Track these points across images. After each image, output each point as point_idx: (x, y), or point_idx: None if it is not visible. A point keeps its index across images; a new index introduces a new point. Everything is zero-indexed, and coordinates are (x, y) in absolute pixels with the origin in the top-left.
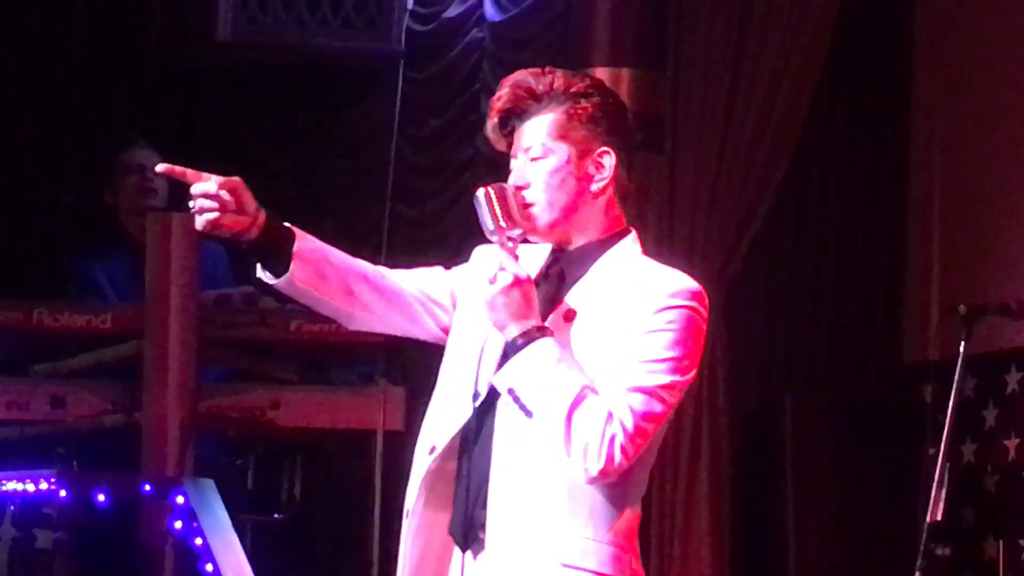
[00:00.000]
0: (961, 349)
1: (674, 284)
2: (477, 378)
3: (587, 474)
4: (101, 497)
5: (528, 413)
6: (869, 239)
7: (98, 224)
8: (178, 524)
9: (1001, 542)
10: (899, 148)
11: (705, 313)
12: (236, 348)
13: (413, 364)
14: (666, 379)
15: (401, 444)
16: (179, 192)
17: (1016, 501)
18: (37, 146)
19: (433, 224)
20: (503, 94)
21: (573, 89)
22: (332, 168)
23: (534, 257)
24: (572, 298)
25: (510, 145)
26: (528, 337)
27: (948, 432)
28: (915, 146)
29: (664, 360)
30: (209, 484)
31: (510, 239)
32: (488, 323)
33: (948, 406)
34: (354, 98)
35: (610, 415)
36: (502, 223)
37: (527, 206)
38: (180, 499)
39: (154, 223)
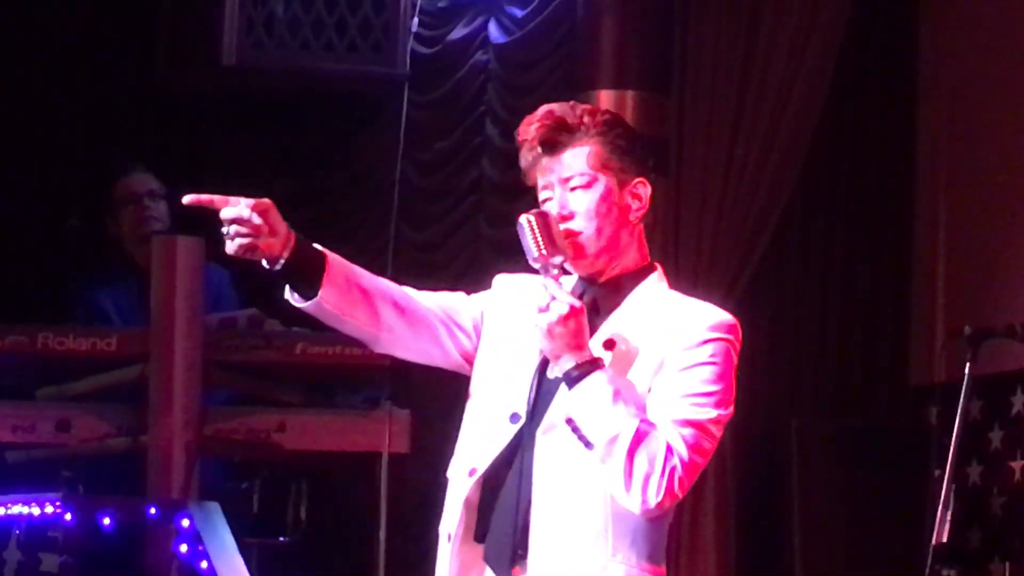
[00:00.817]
0: (967, 371)
1: (712, 318)
2: (518, 401)
3: (644, 506)
4: (107, 520)
5: (588, 445)
6: (874, 262)
7: (103, 251)
8: (184, 547)
9: (1008, 564)
10: (904, 171)
11: (739, 346)
12: (241, 371)
13: (419, 387)
14: (713, 413)
15: (407, 467)
16: (182, 216)
17: (1022, 523)
18: (43, 171)
19: (438, 247)
20: (535, 127)
21: (602, 121)
22: (337, 192)
23: (533, 284)
24: (609, 327)
25: (533, 177)
26: (584, 369)
27: (954, 454)
28: (920, 169)
29: (710, 394)
30: (215, 507)
31: (555, 266)
32: (526, 348)
33: (954, 428)
34: (359, 122)
35: (670, 449)
36: (544, 250)
37: (571, 235)
38: (186, 522)
39: (159, 246)
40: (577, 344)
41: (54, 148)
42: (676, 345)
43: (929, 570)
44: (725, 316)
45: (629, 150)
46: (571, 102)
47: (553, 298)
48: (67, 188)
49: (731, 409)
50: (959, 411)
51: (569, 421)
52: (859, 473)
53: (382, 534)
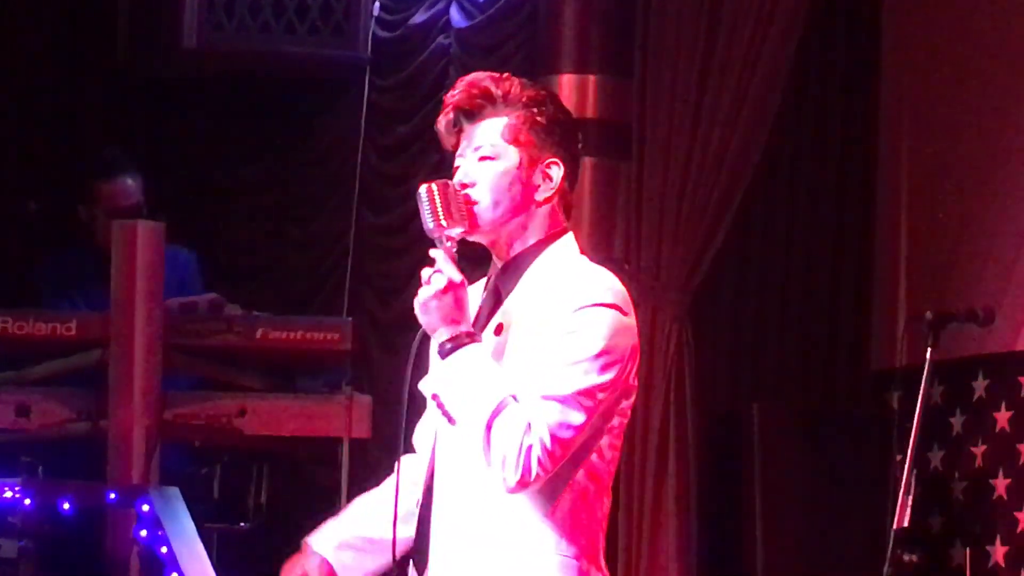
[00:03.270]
0: (928, 356)
1: (590, 286)
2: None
3: (505, 484)
4: (66, 506)
5: (451, 420)
6: (836, 246)
7: (64, 234)
8: (143, 532)
9: (968, 549)
10: (866, 155)
11: (625, 308)
12: (202, 356)
13: (380, 372)
14: (583, 383)
15: (368, 452)
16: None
17: (983, 508)
18: (2, 155)
19: (400, 231)
20: (458, 92)
21: (529, 97)
22: (299, 175)
23: (476, 288)
24: (504, 311)
25: (458, 144)
26: (456, 342)
27: (915, 439)
28: (882, 153)
29: (578, 362)
30: (175, 492)
31: (449, 238)
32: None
33: (915, 413)
34: (320, 105)
35: (528, 426)
36: (443, 221)
37: (471, 204)
38: (146, 507)
39: (119, 231)
40: (452, 319)
41: (15, 133)
42: (553, 317)
43: (890, 554)
44: (605, 283)
45: (548, 129)
46: (506, 74)
47: (438, 271)
48: (29, 173)
49: (610, 375)
50: (920, 396)
51: (434, 396)
52: (820, 457)
53: None
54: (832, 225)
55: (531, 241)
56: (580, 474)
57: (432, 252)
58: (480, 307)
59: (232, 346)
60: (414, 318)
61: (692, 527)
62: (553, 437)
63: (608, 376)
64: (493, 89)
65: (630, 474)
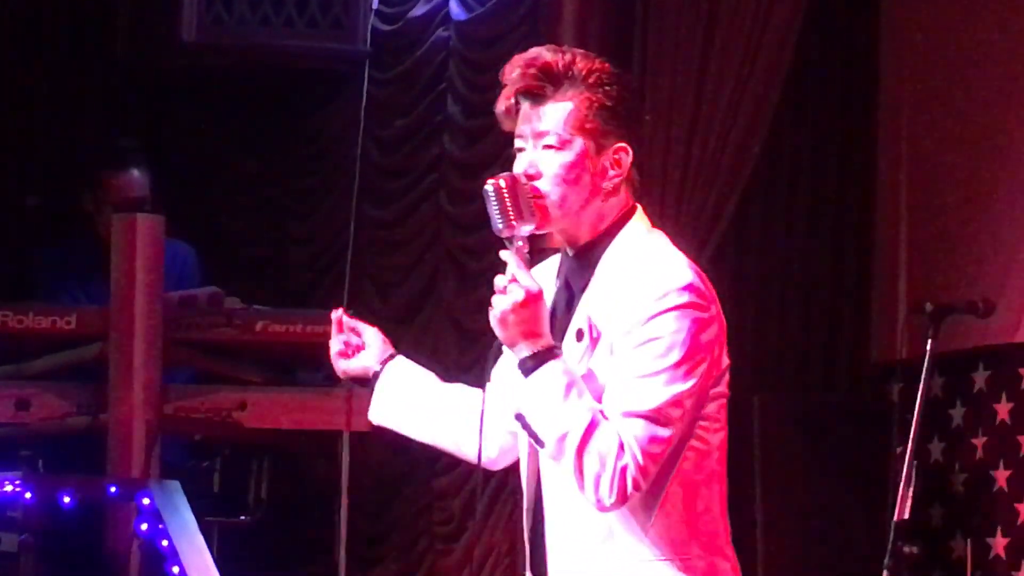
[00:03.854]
0: (928, 348)
1: (660, 285)
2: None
3: (600, 505)
4: (67, 499)
5: (539, 442)
6: (836, 238)
7: (65, 227)
8: (144, 526)
9: (969, 541)
10: (866, 147)
11: (703, 302)
12: (202, 349)
13: None
14: (668, 394)
15: (368, 446)
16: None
17: (984, 500)
18: (2, 147)
19: (400, 224)
20: (517, 73)
21: (593, 75)
22: (299, 169)
23: (545, 272)
24: (581, 313)
25: (514, 126)
26: (538, 359)
27: (915, 431)
28: (882, 145)
29: (661, 373)
30: (175, 486)
31: (521, 238)
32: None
33: (915, 405)
34: (320, 99)
35: (621, 446)
36: (513, 220)
37: (539, 197)
38: (146, 501)
39: (119, 224)
40: (532, 332)
41: (14, 127)
42: (624, 325)
43: (891, 546)
44: (675, 279)
45: (613, 111)
46: (563, 47)
47: (513, 279)
48: (28, 166)
49: (694, 379)
50: (920, 388)
51: (519, 417)
52: (821, 449)
53: (343, 512)
54: (833, 217)
55: (601, 227)
56: (683, 468)
57: (503, 255)
58: (554, 303)
59: (232, 340)
60: (414, 311)
61: None
62: (645, 453)
63: (693, 380)
64: (554, 67)
65: None
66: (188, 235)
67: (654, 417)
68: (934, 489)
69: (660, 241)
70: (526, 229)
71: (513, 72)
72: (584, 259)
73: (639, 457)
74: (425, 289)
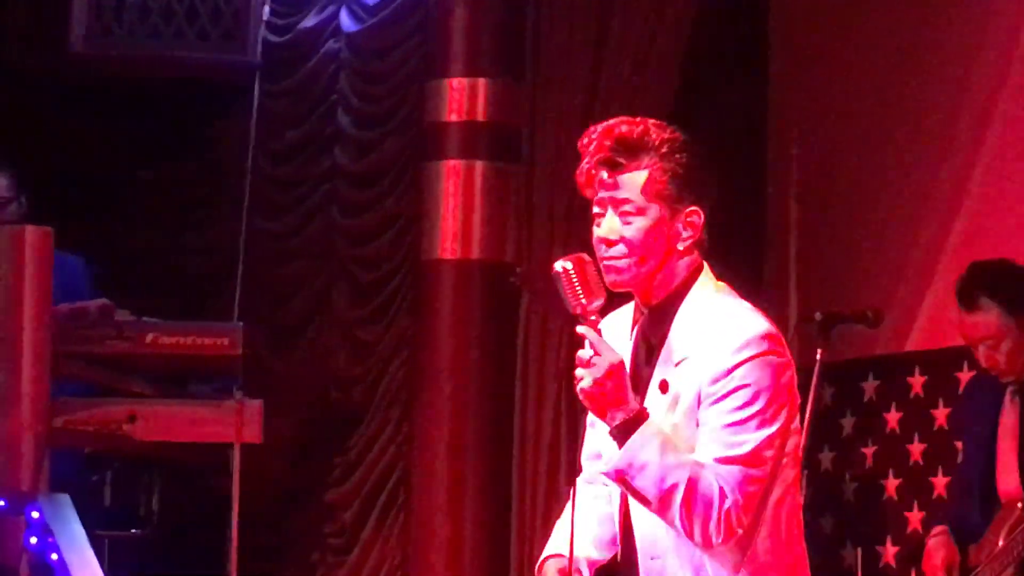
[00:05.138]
0: (818, 357)
1: (739, 336)
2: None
3: (707, 546)
4: None
5: (643, 501)
6: (726, 246)
7: None
8: (33, 540)
9: (859, 549)
10: (757, 157)
11: (778, 348)
12: (92, 362)
13: (272, 377)
14: (758, 438)
15: (261, 458)
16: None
17: (874, 508)
18: None
19: (291, 236)
20: (595, 144)
21: (665, 144)
22: (191, 180)
23: (619, 323)
24: (663, 365)
25: (595, 191)
26: (629, 426)
27: (805, 440)
28: (772, 155)
29: (749, 420)
30: (65, 499)
31: (593, 312)
32: None
33: (805, 414)
34: (212, 110)
35: (723, 492)
36: (583, 300)
37: (613, 259)
38: (35, 514)
39: (5, 236)
40: (620, 399)
41: None
42: (707, 377)
43: None
44: (750, 329)
45: (687, 179)
46: (638, 119)
47: (596, 354)
48: None
49: (779, 423)
50: (810, 397)
51: (621, 477)
52: None
53: (234, 525)
54: (723, 226)
55: (673, 285)
56: (776, 492)
57: (581, 330)
58: (633, 358)
59: (122, 352)
60: (305, 321)
61: None
62: (745, 495)
63: (779, 423)
64: (629, 137)
65: (523, 471)
66: (79, 246)
67: (749, 460)
68: (825, 498)
69: (729, 295)
70: (597, 304)
71: (591, 143)
72: (659, 315)
73: (740, 499)
74: (318, 300)
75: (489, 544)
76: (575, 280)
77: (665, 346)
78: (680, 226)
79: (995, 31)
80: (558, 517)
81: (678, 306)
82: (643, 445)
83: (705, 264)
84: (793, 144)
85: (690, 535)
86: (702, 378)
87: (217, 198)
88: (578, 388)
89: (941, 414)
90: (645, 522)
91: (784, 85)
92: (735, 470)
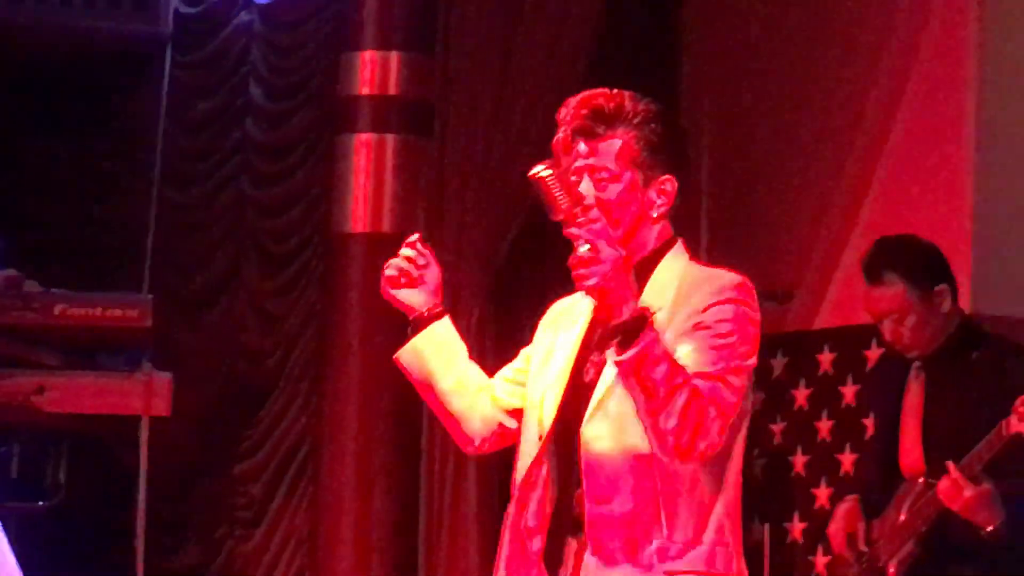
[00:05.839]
0: None
1: (716, 282)
2: (541, 422)
3: (687, 456)
4: None
5: (650, 395)
6: None
7: None
8: None
9: (767, 526)
10: None
11: (751, 301)
12: None
13: (182, 350)
14: (730, 360)
15: (170, 430)
16: None
17: (781, 485)
18: None
19: (202, 208)
20: (571, 114)
21: (640, 114)
22: (101, 151)
23: (573, 305)
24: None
25: (573, 159)
26: (639, 321)
27: None
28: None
29: (722, 347)
30: None
31: (584, 217)
32: (547, 371)
33: None
34: (123, 80)
35: (711, 400)
36: (564, 202)
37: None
38: None
39: None
40: (626, 293)
41: None
42: (689, 314)
43: None
44: (729, 279)
45: (661, 147)
46: (613, 90)
47: (594, 248)
48: None
49: (751, 361)
50: None
51: (634, 367)
52: None
53: (142, 497)
54: None
55: (645, 252)
56: (736, 448)
57: (574, 231)
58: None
59: (30, 323)
60: (216, 293)
61: (493, 506)
62: (722, 410)
63: (749, 361)
64: (605, 108)
65: (432, 444)
66: None
67: (721, 377)
68: None
69: (704, 266)
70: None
71: (567, 113)
72: (636, 272)
73: (719, 414)
74: (228, 272)
75: (397, 518)
76: (553, 184)
77: (643, 294)
78: (654, 193)
79: (905, 12)
80: (466, 490)
81: (652, 270)
82: (656, 340)
83: (680, 240)
84: (704, 122)
85: (679, 438)
86: (677, 320)
87: (127, 170)
88: (583, 285)
89: (849, 391)
90: (606, 464)
91: (696, 64)
92: (717, 385)
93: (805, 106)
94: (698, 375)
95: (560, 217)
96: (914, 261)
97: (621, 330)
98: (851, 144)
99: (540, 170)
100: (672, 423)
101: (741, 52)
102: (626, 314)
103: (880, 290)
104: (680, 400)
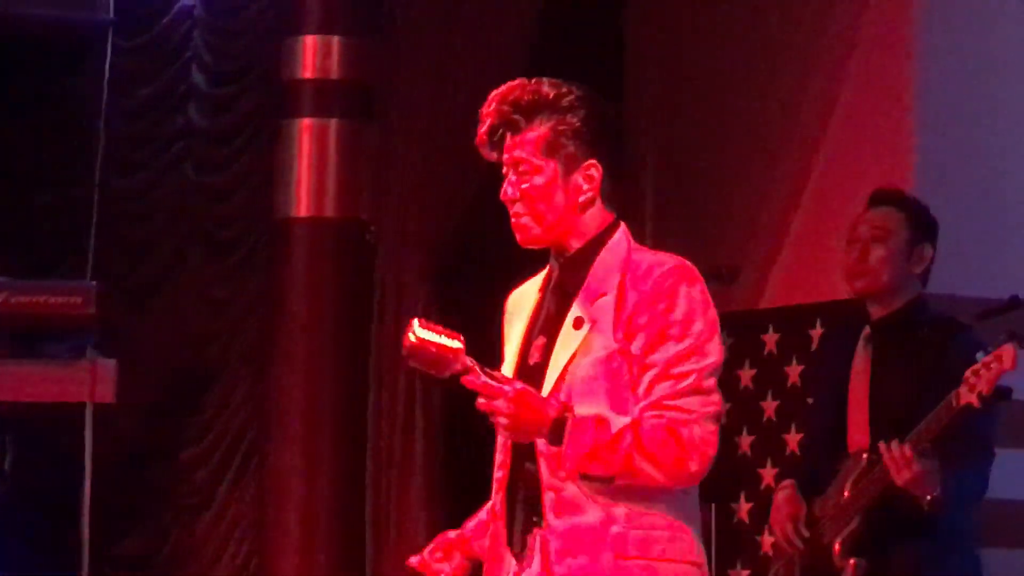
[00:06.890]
0: None
1: (655, 272)
2: None
3: (689, 482)
4: None
5: (609, 481)
6: None
7: None
8: None
9: (713, 506)
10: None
11: (691, 274)
12: None
13: (128, 337)
14: (696, 366)
15: (115, 418)
16: None
17: (728, 465)
18: None
19: (145, 194)
20: (491, 109)
21: (560, 102)
22: (42, 137)
23: (527, 291)
24: (578, 305)
25: (499, 156)
26: (560, 426)
27: None
28: (628, 113)
29: (684, 359)
30: None
31: (464, 364)
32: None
33: None
34: (63, 66)
35: (676, 422)
36: (448, 355)
37: (516, 216)
38: None
39: None
40: (541, 416)
41: None
42: (634, 315)
43: None
44: (666, 264)
45: (583, 133)
46: (531, 80)
47: (491, 392)
48: None
49: (714, 340)
50: None
51: (579, 475)
52: None
53: (87, 484)
54: None
55: (586, 235)
56: None
57: (469, 384)
58: (547, 305)
59: None
60: (160, 279)
61: (438, 491)
62: (701, 421)
63: (712, 340)
64: (523, 99)
65: (378, 430)
66: None
67: (695, 389)
68: None
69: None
70: (459, 347)
71: (488, 108)
72: (576, 264)
73: (699, 425)
74: (173, 258)
75: (344, 503)
76: (430, 342)
77: (584, 288)
78: (580, 179)
79: None
80: (412, 476)
81: (595, 255)
82: (580, 434)
83: (623, 224)
84: (647, 100)
85: (671, 479)
86: (628, 308)
87: (70, 156)
88: (500, 432)
89: (794, 371)
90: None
91: (640, 46)
92: (692, 401)
93: (749, 85)
94: (672, 395)
95: (446, 374)
96: (922, 213)
97: (552, 441)
98: (794, 124)
99: (409, 337)
100: (655, 471)
101: (684, 34)
102: (546, 433)
103: (878, 210)
104: (636, 456)
